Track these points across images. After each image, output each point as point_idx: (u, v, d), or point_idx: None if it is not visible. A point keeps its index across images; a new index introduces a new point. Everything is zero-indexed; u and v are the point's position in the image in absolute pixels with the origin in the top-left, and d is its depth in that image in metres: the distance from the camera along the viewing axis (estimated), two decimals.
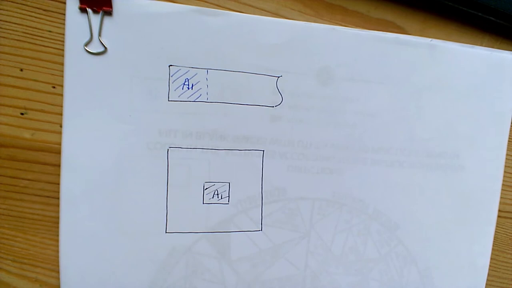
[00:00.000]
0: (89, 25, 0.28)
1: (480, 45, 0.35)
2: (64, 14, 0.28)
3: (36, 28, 0.29)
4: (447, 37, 0.35)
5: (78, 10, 0.28)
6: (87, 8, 0.28)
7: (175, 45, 0.30)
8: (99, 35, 0.28)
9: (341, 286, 0.35)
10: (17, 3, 0.28)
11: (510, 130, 0.36)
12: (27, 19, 0.29)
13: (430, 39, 0.33)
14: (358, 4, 0.33)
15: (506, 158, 0.36)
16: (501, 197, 0.37)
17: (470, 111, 0.35)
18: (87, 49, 0.28)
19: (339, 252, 0.34)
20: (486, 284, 0.38)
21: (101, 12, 0.28)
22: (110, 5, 0.28)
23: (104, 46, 0.29)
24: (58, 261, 0.30)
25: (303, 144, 0.32)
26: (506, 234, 0.39)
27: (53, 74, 0.29)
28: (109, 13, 0.28)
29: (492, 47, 0.35)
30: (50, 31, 0.29)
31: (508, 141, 0.36)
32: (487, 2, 0.33)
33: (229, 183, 0.32)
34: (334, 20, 0.33)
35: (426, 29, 0.35)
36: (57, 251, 0.30)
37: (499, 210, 0.37)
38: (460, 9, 0.33)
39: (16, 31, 0.29)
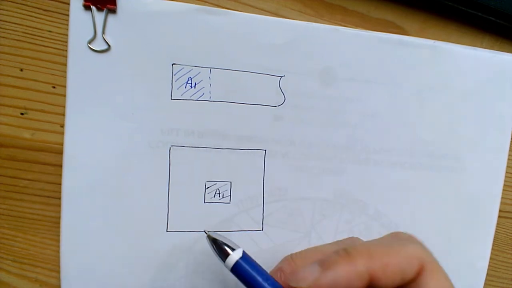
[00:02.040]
0: (93, 23, 0.28)
1: (480, 45, 0.35)
2: (65, 14, 0.28)
3: (36, 28, 0.29)
4: (447, 37, 0.35)
5: (82, 8, 0.28)
6: (91, 6, 0.28)
7: (179, 44, 0.30)
8: (103, 33, 0.28)
9: None
10: (17, 3, 0.28)
11: None
12: (27, 19, 0.29)
13: (433, 40, 0.33)
14: (358, 4, 0.33)
15: (508, 159, 0.36)
16: (501, 197, 0.37)
17: (472, 113, 0.35)
18: (91, 47, 0.28)
19: None
20: (486, 284, 0.38)
21: (105, 9, 0.28)
22: (114, 3, 0.28)
23: (108, 44, 0.29)
24: (58, 261, 0.30)
25: (305, 144, 0.32)
26: (506, 234, 0.39)
27: (53, 74, 0.29)
28: (113, 11, 0.28)
29: (492, 47, 0.36)
30: (50, 31, 0.29)
31: (510, 142, 0.36)
32: (487, 2, 0.33)
33: (230, 182, 0.32)
34: (334, 20, 0.33)
35: (426, 29, 0.35)
36: (57, 251, 0.30)
37: (499, 210, 0.37)
38: (460, 9, 0.33)
39: (16, 31, 0.29)
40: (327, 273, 0.22)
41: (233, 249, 0.25)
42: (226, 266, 0.25)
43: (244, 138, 0.31)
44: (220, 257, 0.25)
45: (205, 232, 0.27)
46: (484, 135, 0.36)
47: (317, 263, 0.23)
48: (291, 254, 0.28)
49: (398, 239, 0.25)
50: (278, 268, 0.26)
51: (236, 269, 0.25)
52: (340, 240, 0.29)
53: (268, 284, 0.24)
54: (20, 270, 0.31)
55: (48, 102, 0.29)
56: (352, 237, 0.30)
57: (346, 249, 0.23)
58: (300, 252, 0.27)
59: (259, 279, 0.24)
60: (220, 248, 0.25)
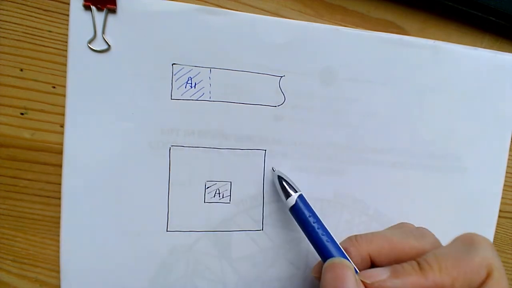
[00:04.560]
0: (93, 23, 0.28)
1: (480, 45, 0.35)
2: (65, 14, 0.28)
3: (36, 28, 0.29)
4: (447, 37, 0.35)
5: (82, 8, 0.28)
6: (91, 6, 0.28)
7: (179, 44, 0.30)
8: (103, 32, 0.28)
9: None
10: (17, 3, 0.28)
11: None
12: (27, 19, 0.29)
13: (433, 40, 0.33)
14: (358, 4, 0.33)
15: (508, 159, 0.36)
16: (501, 197, 0.37)
17: (472, 113, 0.35)
18: (91, 47, 0.28)
19: None
20: None
21: (105, 9, 0.28)
22: (114, 3, 0.28)
23: (108, 44, 0.29)
24: (58, 261, 0.30)
25: (305, 144, 0.32)
26: (506, 234, 0.39)
27: (53, 74, 0.29)
28: (113, 10, 0.28)
29: (492, 47, 0.36)
30: (50, 31, 0.29)
31: (510, 142, 0.36)
32: (487, 2, 0.33)
33: (230, 182, 0.32)
34: (334, 20, 0.33)
35: (426, 29, 0.35)
36: (57, 251, 0.30)
37: (499, 210, 0.37)
38: (460, 9, 0.33)
39: (16, 31, 0.29)
40: (394, 280, 0.23)
41: (295, 191, 0.29)
42: (286, 205, 0.29)
43: (244, 138, 0.31)
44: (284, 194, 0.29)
45: (273, 169, 0.31)
46: (484, 135, 0.36)
47: (390, 268, 0.25)
48: (355, 236, 0.29)
49: (469, 245, 0.25)
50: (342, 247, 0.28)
51: (293, 210, 0.29)
52: (404, 224, 0.33)
53: (319, 231, 0.27)
54: (20, 270, 0.31)
55: (48, 102, 0.29)
56: (407, 225, 0.33)
57: (419, 262, 0.24)
58: (366, 235, 0.29)
59: (312, 223, 0.28)
60: (283, 187, 0.29)
